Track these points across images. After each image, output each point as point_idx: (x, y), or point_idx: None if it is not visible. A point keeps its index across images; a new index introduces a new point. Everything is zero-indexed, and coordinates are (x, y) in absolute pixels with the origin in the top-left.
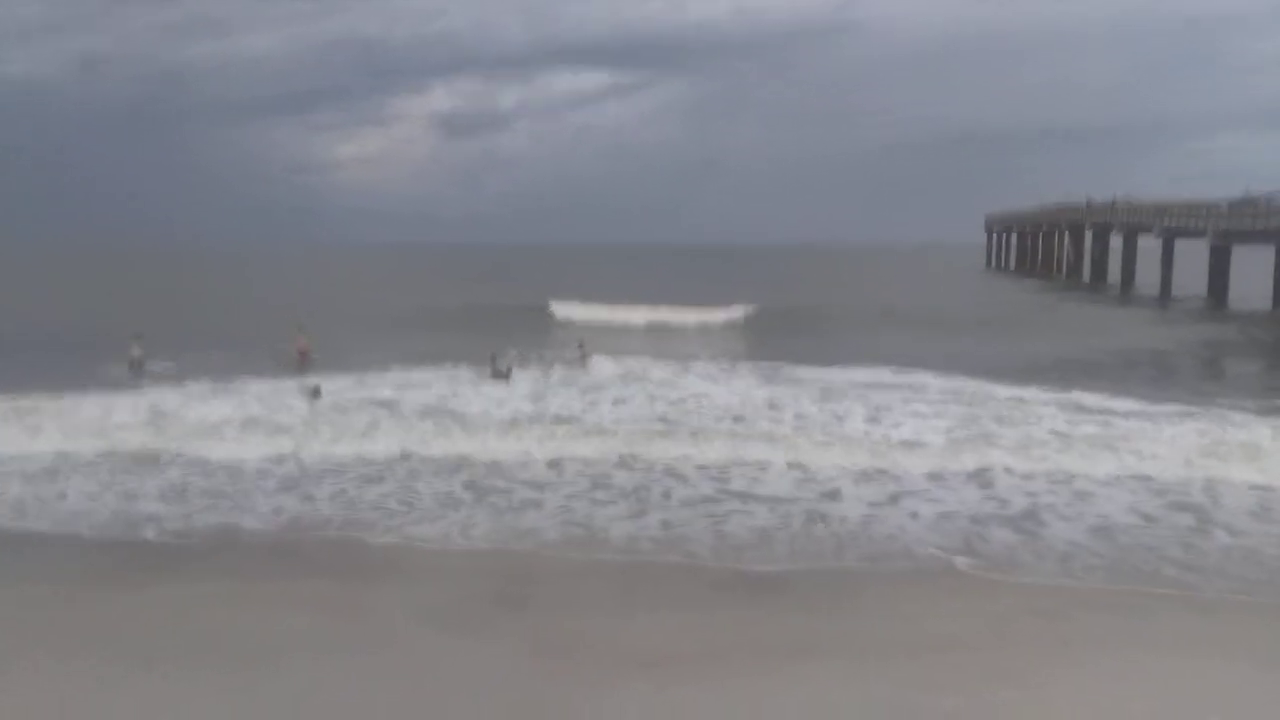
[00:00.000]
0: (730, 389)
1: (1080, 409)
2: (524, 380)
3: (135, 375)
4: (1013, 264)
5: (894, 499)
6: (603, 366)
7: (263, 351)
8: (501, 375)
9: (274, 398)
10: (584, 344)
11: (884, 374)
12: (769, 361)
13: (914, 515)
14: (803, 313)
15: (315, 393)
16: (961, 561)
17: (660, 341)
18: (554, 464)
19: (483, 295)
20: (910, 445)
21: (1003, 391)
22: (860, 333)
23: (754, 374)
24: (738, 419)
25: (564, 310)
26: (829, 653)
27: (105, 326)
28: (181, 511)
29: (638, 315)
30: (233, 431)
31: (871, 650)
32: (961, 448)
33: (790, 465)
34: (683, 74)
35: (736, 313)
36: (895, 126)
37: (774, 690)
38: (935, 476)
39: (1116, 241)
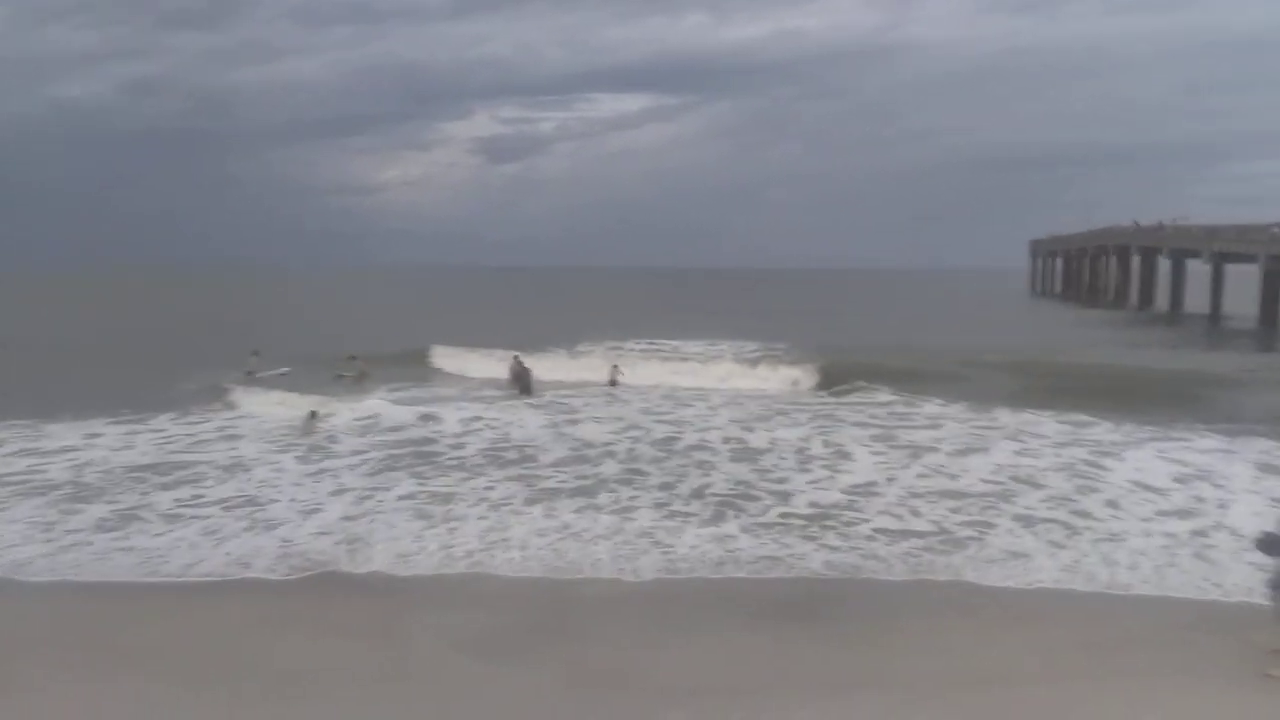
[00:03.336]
0: None
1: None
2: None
3: (251, 381)
4: (1058, 289)
5: None
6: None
7: (325, 373)
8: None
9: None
10: (357, 356)
11: None
12: None
13: None
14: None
15: (312, 417)
16: None
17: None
18: None
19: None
20: None
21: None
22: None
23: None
24: None
25: (450, 360)
26: (872, 686)
27: (195, 341)
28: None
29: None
30: None
31: (917, 684)
32: None
33: None
34: (723, 96)
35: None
36: (938, 148)
37: None
38: None
39: (1165, 265)
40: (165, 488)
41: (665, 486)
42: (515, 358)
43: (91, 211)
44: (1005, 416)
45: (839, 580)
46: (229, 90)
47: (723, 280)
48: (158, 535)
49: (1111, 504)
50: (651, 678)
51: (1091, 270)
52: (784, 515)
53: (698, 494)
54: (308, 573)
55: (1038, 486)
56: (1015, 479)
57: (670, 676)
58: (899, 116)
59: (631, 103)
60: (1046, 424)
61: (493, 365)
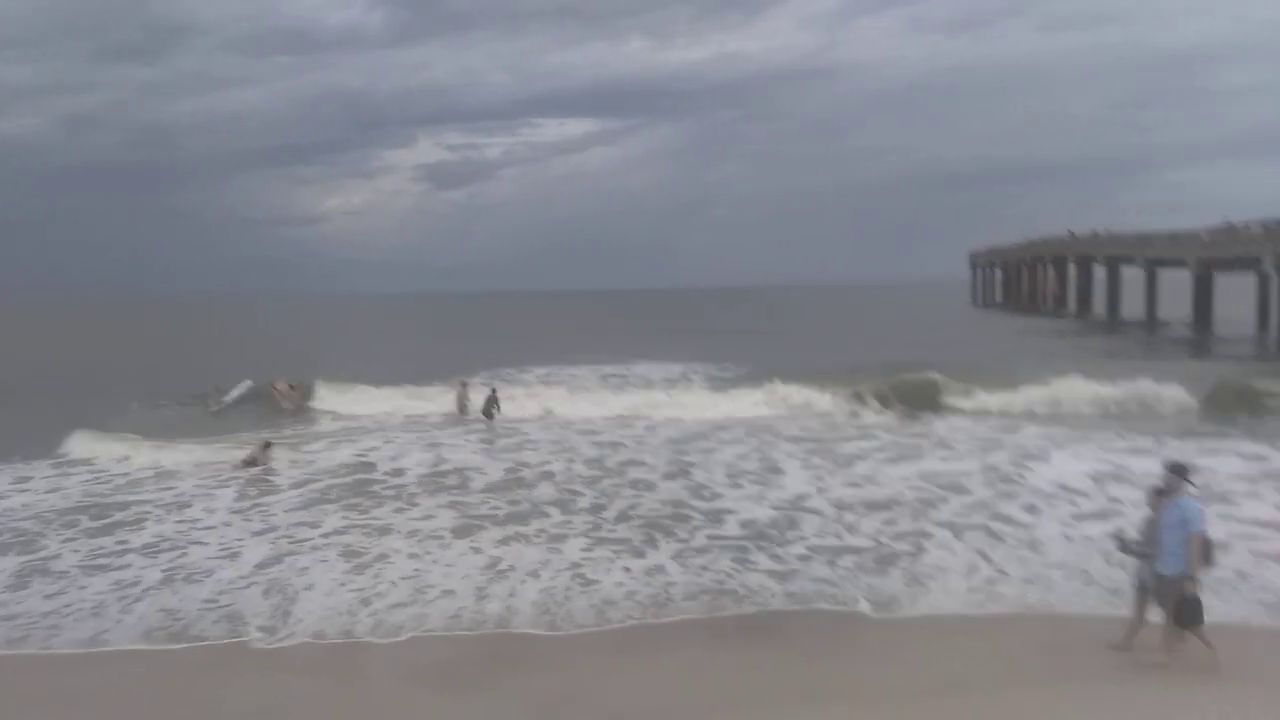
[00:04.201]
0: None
1: None
2: None
3: (219, 413)
4: (999, 299)
5: None
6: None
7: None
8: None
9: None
10: (295, 386)
11: None
12: None
13: None
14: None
15: (266, 447)
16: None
17: None
18: None
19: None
20: None
21: None
22: None
23: None
24: None
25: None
26: (835, 698)
27: (135, 375)
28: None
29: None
30: None
31: (879, 696)
32: None
33: None
34: (667, 119)
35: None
36: (880, 166)
37: None
38: None
39: (1100, 273)
40: (90, 534)
41: (597, 508)
42: (463, 383)
43: (32, 246)
44: (937, 424)
45: (788, 599)
46: (170, 122)
47: (671, 300)
48: (53, 596)
49: (1030, 509)
50: (610, 701)
51: (1030, 279)
52: (715, 536)
53: (628, 517)
54: (217, 641)
55: (964, 492)
56: (941, 486)
57: (630, 698)
58: (841, 135)
59: (576, 127)
60: (977, 428)
61: (381, 399)
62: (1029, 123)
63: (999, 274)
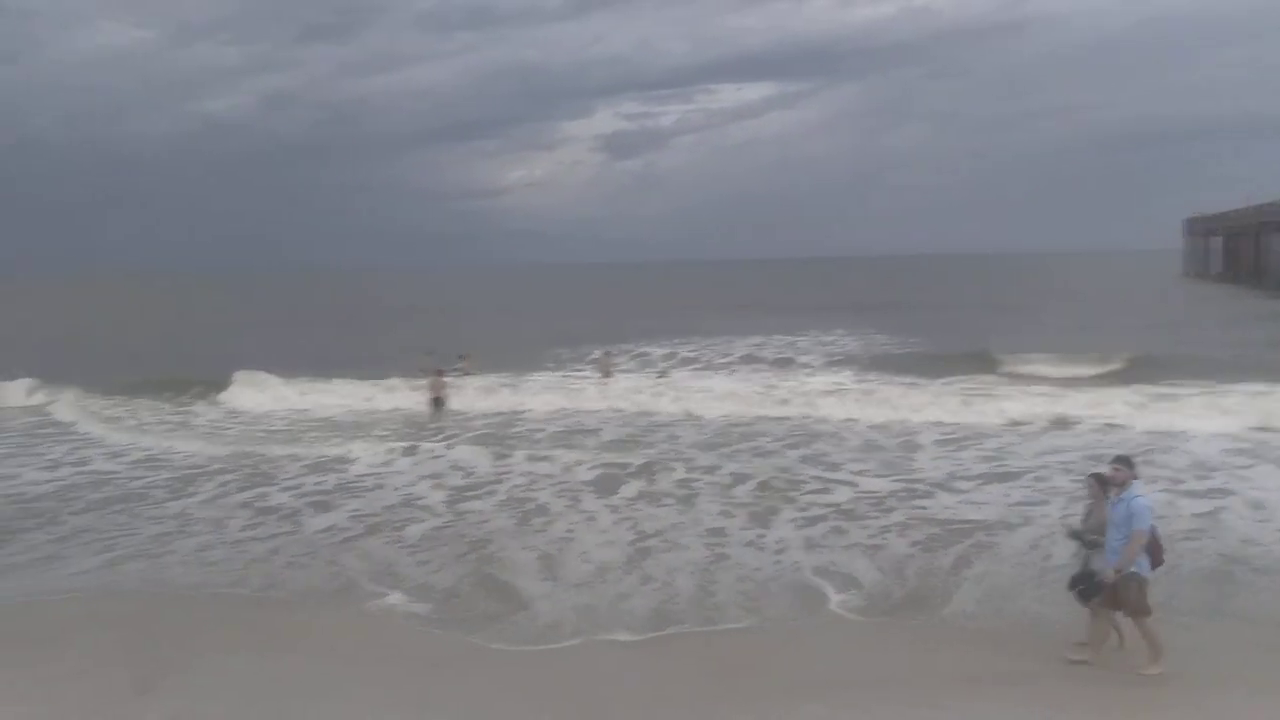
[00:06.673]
0: None
1: None
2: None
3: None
4: (1218, 269)
5: None
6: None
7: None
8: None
9: None
10: (465, 355)
11: None
12: None
13: None
14: None
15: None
16: None
17: None
18: None
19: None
20: None
21: None
22: None
23: None
24: None
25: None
26: (1015, 683)
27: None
28: None
29: None
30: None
31: (1056, 682)
32: None
33: None
34: (848, 80)
35: None
36: (1073, 125)
37: None
38: None
39: None
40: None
41: (737, 480)
42: (606, 352)
43: (228, 219)
44: (1082, 399)
45: (942, 577)
46: (361, 99)
47: (851, 269)
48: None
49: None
50: (785, 669)
51: (1256, 249)
52: (830, 505)
53: (743, 477)
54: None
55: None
56: (1069, 460)
57: (804, 668)
58: (1030, 94)
59: (753, 92)
60: (1121, 408)
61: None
62: (1249, 75)
63: (1219, 243)
